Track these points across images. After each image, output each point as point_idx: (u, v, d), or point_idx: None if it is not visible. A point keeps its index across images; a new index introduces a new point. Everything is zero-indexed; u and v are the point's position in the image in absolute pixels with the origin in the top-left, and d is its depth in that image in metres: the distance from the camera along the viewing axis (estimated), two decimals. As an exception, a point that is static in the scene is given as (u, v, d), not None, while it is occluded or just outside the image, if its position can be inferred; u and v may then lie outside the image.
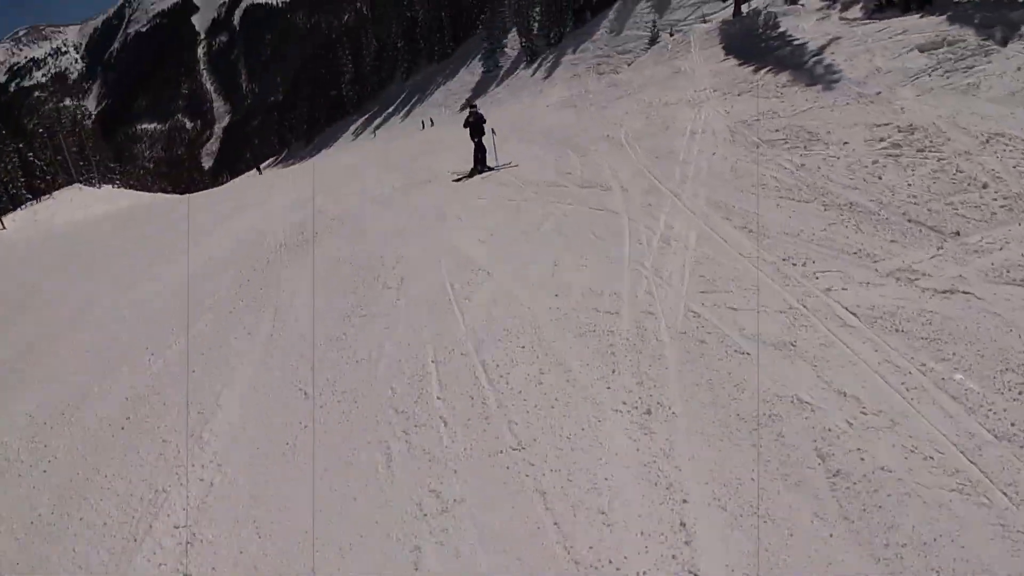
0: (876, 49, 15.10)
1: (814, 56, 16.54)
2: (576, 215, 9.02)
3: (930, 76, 12.33)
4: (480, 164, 14.23)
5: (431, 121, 53.77)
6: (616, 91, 24.69)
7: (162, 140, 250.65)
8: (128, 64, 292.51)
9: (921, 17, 16.41)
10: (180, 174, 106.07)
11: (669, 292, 6.03)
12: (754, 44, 22.53)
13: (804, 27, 22.24)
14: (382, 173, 17.30)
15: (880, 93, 12.33)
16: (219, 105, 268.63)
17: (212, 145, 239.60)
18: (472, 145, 14.28)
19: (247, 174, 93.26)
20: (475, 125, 14.19)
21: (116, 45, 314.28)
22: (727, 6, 36.57)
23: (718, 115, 14.22)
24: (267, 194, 19.88)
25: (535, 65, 53.87)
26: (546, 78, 49.37)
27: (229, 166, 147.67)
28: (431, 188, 13.36)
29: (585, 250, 7.54)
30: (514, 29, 60.95)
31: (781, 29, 22.81)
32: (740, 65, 19.61)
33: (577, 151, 13.98)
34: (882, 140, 9.80)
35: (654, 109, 17.31)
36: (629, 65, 37.60)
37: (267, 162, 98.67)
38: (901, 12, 19.73)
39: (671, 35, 34.77)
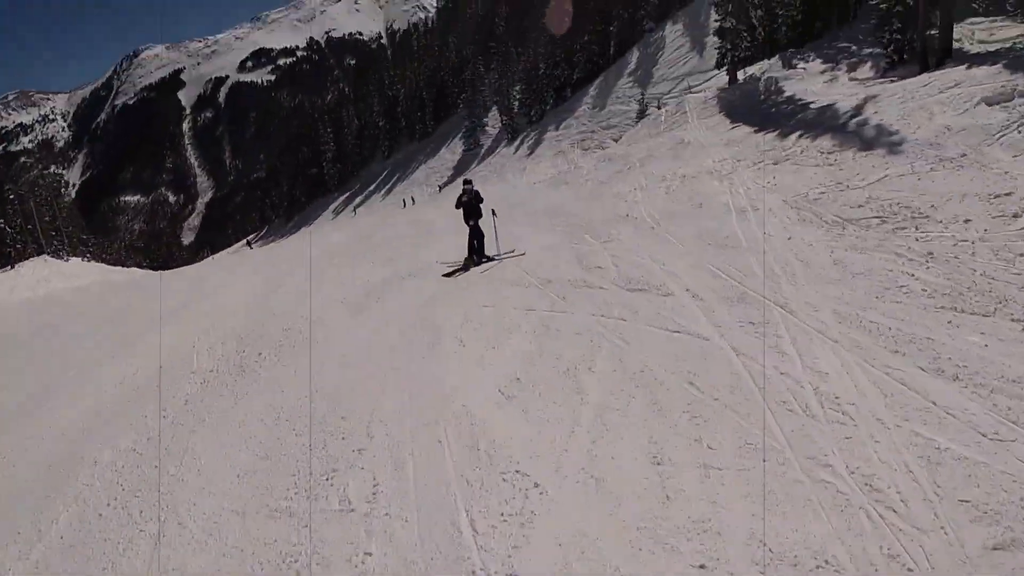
0: (931, 105, 12.67)
1: (852, 117, 14.10)
2: (641, 341, 5.96)
3: (1020, 132, 9.85)
4: (477, 253, 11.26)
5: (412, 199, 51.39)
6: (612, 165, 22.23)
7: (145, 213, 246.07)
8: (114, 135, 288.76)
9: (968, 68, 14.18)
10: (159, 248, 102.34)
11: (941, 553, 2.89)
12: (762, 110, 20.38)
13: (813, 90, 20.26)
14: (358, 261, 14.23)
15: (966, 155, 9.80)
16: (202, 180, 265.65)
17: (194, 220, 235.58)
18: (467, 230, 11.33)
19: (233, 248, 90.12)
20: (470, 205, 11.25)
21: (103, 116, 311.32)
22: (712, 77, 35.20)
23: (760, 188, 11.56)
24: (231, 280, 16.75)
25: (517, 142, 52.15)
26: (529, 155, 47.47)
27: (210, 241, 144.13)
28: (418, 285, 10.25)
29: (695, 423, 4.39)
30: (495, 107, 59.76)
31: (788, 93, 20.79)
32: (757, 132, 17.19)
33: (596, 235, 11.15)
34: (1017, 216, 7.16)
35: (671, 183, 14.66)
36: (617, 140, 35.70)
37: (247, 239, 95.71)
38: (920, 69, 17.81)
39: (659, 107, 33.05)
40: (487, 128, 59.85)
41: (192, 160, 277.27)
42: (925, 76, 15.37)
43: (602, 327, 6.42)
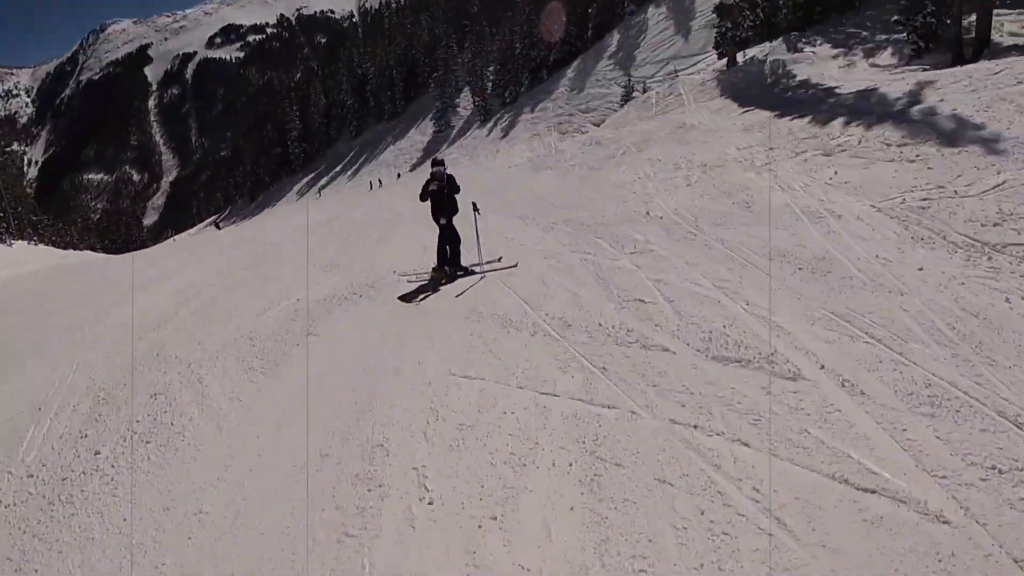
0: (1015, 96, 9.87)
1: (911, 104, 11.24)
2: (810, 521, 2.81)
3: None
4: (450, 263, 8.07)
5: (379, 182, 47.66)
6: (602, 149, 19.11)
7: (108, 191, 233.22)
8: (79, 112, 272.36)
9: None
10: (118, 229, 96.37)
11: None
12: (776, 93, 17.59)
13: (831, 75, 17.62)
14: (301, 264, 10.87)
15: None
16: (167, 158, 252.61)
17: (158, 199, 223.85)
18: (436, 228, 8.13)
19: (196, 229, 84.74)
20: (441, 196, 7.97)
21: (68, 91, 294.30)
22: (700, 61, 32.42)
23: (823, 185, 8.62)
24: (157, 278, 13.25)
25: (490, 124, 48.60)
26: (503, 137, 44.08)
27: (174, 222, 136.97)
28: (364, 316, 6.99)
29: None
30: (467, 88, 55.97)
31: (802, 77, 18.07)
32: (780, 116, 14.22)
33: (614, 240, 8.10)
34: None
35: (689, 172, 11.67)
36: (597, 125, 32.68)
37: (209, 220, 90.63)
38: (954, 59, 15.34)
39: (645, 90, 30.13)
40: (459, 109, 56.10)
41: (157, 138, 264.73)
42: (985, 64, 12.57)
43: (710, 468, 3.25)
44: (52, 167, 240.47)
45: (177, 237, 78.19)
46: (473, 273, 7.93)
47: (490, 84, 52.65)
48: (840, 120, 11.88)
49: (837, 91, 14.76)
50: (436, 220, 8.02)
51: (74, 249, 59.36)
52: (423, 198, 8.00)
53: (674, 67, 34.30)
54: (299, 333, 6.59)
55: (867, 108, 12.14)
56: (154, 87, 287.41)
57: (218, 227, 68.32)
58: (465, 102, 56.02)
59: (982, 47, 15.16)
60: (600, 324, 5.33)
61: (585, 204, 11.47)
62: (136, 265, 15.87)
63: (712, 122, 16.80)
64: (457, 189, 8.11)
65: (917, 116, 10.57)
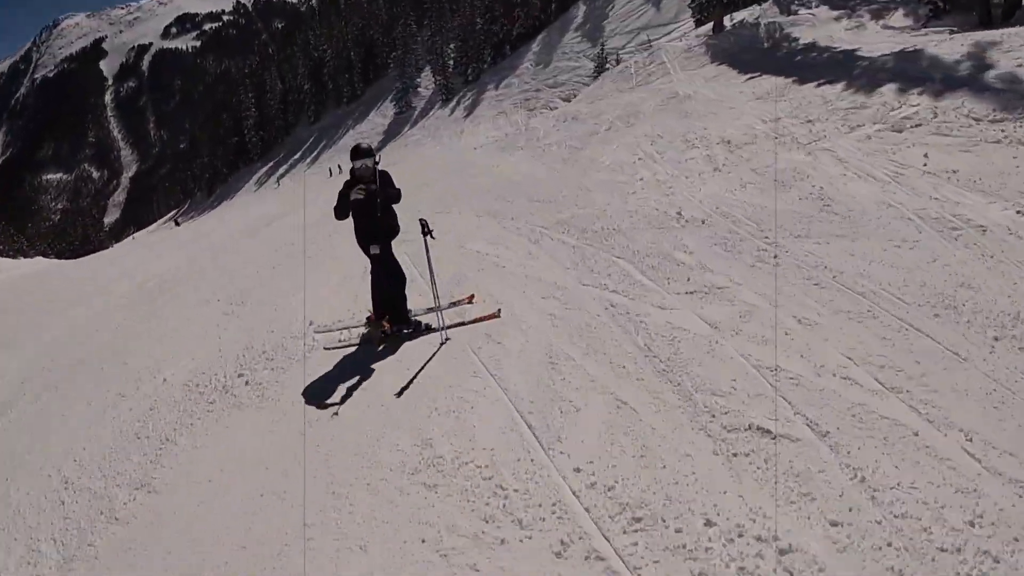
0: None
1: (983, 71, 8.65)
2: None
3: None
4: (395, 316, 5.14)
5: (339, 168, 44.16)
6: (581, 126, 16.18)
7: (68, 191, 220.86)
8: (34, 110, 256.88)
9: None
10: (75, 231, 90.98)
11: None
12: (781, 58, 15.03)
13: (840, 38, 15.02)
14: (191, 308, 7.83)
15: None
16: (126, 153, 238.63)
17: (119, 196, 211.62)
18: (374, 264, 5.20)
19: (155, 226, 79.70)
20: (367, 209, 4.92)
21: (23, 90, 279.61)
22: (674, 29, 29.90)
23: (928, 177, 5.95)
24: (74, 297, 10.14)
25: (453, 103, 45.32)
26: (467, 116, 40.95)
27: (135, 218, 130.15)
28: (239, 440, 4.04)
29: None
30: (428, 67, 52.20)
31: (808, 40, 15.34)
32: (801, 84, 11.50)
33: (654, 267, 5.32)
34: None
35: (711, 152, 8.94)
36: (567, 99, 29.79)
37: (168, 216, 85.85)
38: (980, 22, 12.90)
39: (618, 61, 27.42)
40: (420, 90, 52.36)
41: (115, 133, 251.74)
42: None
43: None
44: (10, 170, 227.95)
45: (137, 235, 73.34)
46: (428, 330, 5.04)
47: (451, 62, 49.10)
48: (891, 87, 9.15)
49: (861, 53, 12.08)
50: (364, 249, 5.07)
51: (23, 256, 54.66)
52: (341, 214, 5.03)
53: (647, 36, 31.76)
54: (106, 499, 3.65)
55: (919, 73, 9.45)
56: (110, 81, 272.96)
57: (177, 223, 64.14)
58: (426, 82, 52.34)
59: (1013, 9, 12.73)
60: (708, 521, 2.49)
61: (579, 197, 8.61)
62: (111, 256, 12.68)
63: (711, 91, 14.03)
64: (395, 195, 5.11)
65: (998, 84, 7.92)
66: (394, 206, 5.12)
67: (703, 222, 6.07)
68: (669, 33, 30.00)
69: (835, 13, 17.58)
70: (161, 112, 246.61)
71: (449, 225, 8.36)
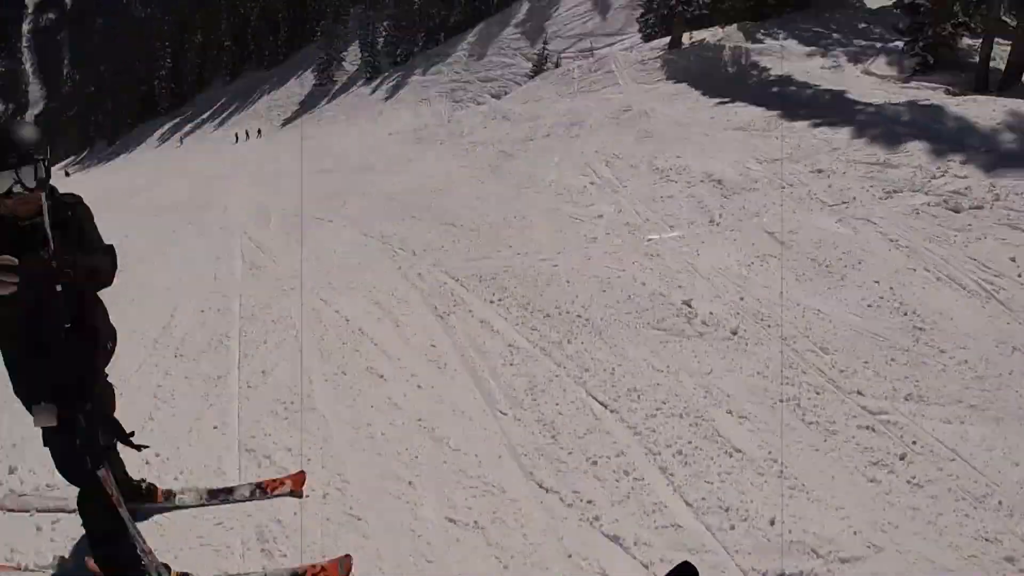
0: None
1: None
2: None
3: None
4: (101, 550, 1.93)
5: (247, 134, 39.77)
6: (514, 128, 13.64)
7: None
8: None
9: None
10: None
11: None
12: (752, 87, 13.03)
13: (819, 75, 13.08)
14: None
15: None
16: (35, 88, 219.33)
17: None
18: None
19: (55, 169, 70.90)
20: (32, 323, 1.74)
21: None
22: (620, 40, 27.91)
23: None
24: None
25: (376, 83, 41.75)
26: (387, 99, 37.62)
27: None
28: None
29: None
30: (356, 41, 47.92)
31: (780, 72, 13.46)
32: (790, 120, 9.24)
33: (681, 451, 2.46)
34: None
35: (699, 191, 6.58)
36: (497, 97, 27.12)
37: (65, 161, 77.13)
38: (977, 86, 11.16)
39: (557, 64, 25.37)
40: (345, 64, 48.09)
41: (28, 66, 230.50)
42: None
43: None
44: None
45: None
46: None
47: (382, 40, 45.13)
48: (918, 146, 6.87)
49: (853, 97, 10.22)
50: (27, 402, 1.86)
51: None
52: None
53: (590, 43, 29.79)
54: None
55: (948, 135, 7.29)
56: (30, 9, 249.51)
57: (67, 174, 57.29)
58: (353, 56, 47.94)
59: (1012, 80, 10.86)
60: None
61: (514, 231, 5.83)
62: None
63: (674, 111, 11.77)
64: (104, 268, 1.87)
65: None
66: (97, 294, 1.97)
67: (734, 334, 3.42)
68: (613, 44, 28.04)
69: (807, 49, 16.11)
70: (78, 51, 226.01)
71: (318, 246, 5.55)
